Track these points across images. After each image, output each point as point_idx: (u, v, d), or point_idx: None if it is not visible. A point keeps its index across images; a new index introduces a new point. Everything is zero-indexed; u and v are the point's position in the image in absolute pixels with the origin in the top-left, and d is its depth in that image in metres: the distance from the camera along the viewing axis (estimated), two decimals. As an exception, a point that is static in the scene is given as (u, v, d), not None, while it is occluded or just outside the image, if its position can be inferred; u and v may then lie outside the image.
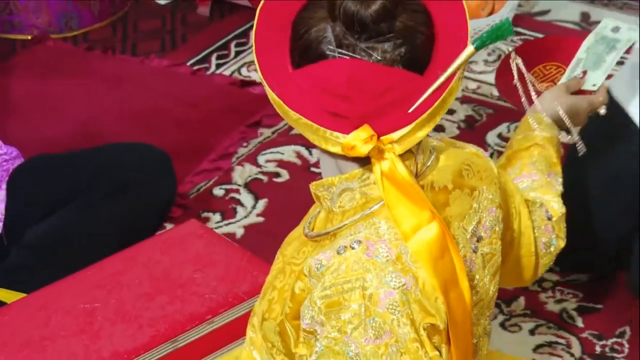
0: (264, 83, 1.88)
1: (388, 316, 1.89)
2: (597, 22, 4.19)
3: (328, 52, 1.83)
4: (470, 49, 1.88)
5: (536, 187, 2.43)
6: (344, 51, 1.82)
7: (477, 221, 2.07)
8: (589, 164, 3.12)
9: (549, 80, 2.64)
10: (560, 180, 2.45)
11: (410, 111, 1.89)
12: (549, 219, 2.40)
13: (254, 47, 1.90)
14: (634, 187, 3.03)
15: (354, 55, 1.82)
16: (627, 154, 3.07)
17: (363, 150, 1.85)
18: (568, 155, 2.97)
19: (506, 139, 3.66)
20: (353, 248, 1.94)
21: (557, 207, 2.41)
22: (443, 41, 1.94)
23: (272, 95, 1.88)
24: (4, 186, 2.98)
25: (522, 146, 2.46)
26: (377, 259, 1.92)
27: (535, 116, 2.52)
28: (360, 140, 1.86)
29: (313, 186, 2.08)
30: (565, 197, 2.75)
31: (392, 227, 1.98)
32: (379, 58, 1.86)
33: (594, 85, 2.68)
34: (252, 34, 1.90)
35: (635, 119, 3.05)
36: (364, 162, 1.95)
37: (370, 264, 1.93)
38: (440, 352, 1.95)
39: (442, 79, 1.91)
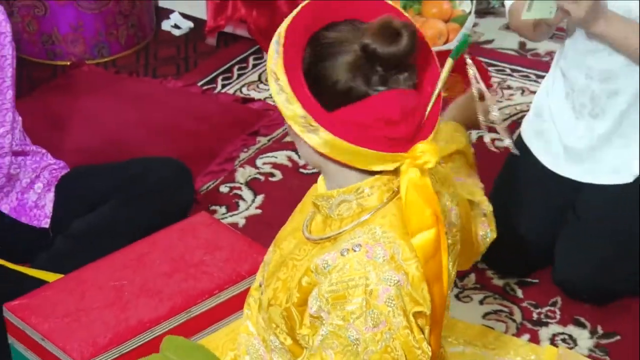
0: (314, 124, 1.83)
1: (385, 308, 1.89)
2: (533, 49, 4.24)
3: (370, 91, 1.80)
4: (450, 61, 1.88)
5: (466, 189, 2.41)
6: (386, 87, 1.80)
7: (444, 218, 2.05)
8: (508, 192, 3.18)
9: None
10: (479, 182, 2.45)
11: (424, 121, 1.89)
12: (484, 215, 2.41)
13: (295, 97, 1.83)
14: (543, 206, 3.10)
15: (391, 87, 1.81)
16: (533, 180, 3.11)
17: (431, 161, 1.86)
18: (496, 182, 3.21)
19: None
20: (355, 250, 1.93)
21: (486, 205, 2.41)
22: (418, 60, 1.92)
23: (325, 136, 1.83)
24: (53, 189, 2.99)
25: (445, 153, 2.41)
26: (376, 259, 1.91)
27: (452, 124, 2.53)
28: (429, 152, 1.86)
29: (314, 198, 2.05)
30: (498, 217, 2.81)
31: (385, 231, 1.96)
32: (409, 84, 1.86)
33: None
34: (284, 76, 1.84)
35: (534, 151, 3.12)
36: (363, 176, 1.94)
37: (371, 264, 1.91)
38: (423, 332, 1.95)
39: (437, 90, 1.91)
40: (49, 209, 2.98)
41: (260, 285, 2.19)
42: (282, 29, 1.86)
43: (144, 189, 2.95)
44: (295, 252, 2.08)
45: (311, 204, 2.10)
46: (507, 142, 2.51)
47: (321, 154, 1.92)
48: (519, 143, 3.14)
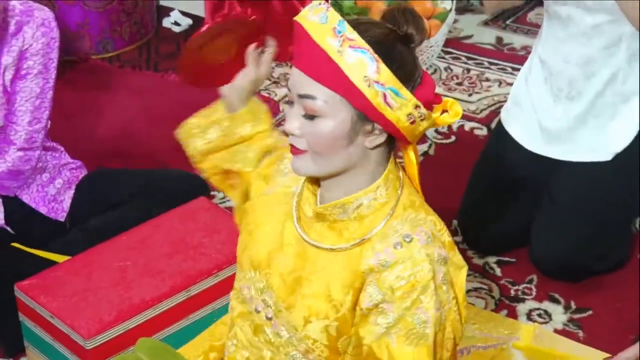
0: (424, 111, 1.83)
1: (442, 287, 1.88)
2: (509, 44, 4.23)
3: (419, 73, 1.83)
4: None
5: None
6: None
7: None
8: (485, 170, 3.18)
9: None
10: None
11: None
12: None
13: (405, 89, 1.81)
14: (522, 189, 3.10)
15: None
16: (513, 163, 3.09)
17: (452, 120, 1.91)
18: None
19: (443, 134, 3.67)
20: (407, 241, 1.90)
21: None
22: None
23: (432, 118, 1.85)
24: (73, 187, 2.99)
25: None
26: (427, 243, 1.89)
27: None
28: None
29: (323, 209, 1.97)
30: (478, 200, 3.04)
31: (417, 214, 1.95)
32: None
33: None
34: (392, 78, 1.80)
35: (514, 136, 3.09)
36: (375, 176, 1.92)
37: (424, 249, 1.89)
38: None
39: None
40: (67, 204, 2.97)
41: (258, 311, 2.05)
42: (364, 44, 1.79)
43: (160, 199, 2.92)
44: (309, 266, 1.98)
45: (280, 218, 2.03)
46: None
47: (377, 147, 1.90)
48: (499, 130, 3.16)
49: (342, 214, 1.93)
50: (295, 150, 1.87)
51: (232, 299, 2.17)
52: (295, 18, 1.85)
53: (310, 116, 1.82)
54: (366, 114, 1.83)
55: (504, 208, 3.06)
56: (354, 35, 1.78)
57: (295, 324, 1.96)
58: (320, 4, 1.83)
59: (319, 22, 1.79)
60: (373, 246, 1.91)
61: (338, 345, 1.98)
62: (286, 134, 1.91)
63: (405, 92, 1.79)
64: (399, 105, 1.80)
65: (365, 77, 1.79)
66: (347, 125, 1.83)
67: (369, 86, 1.79)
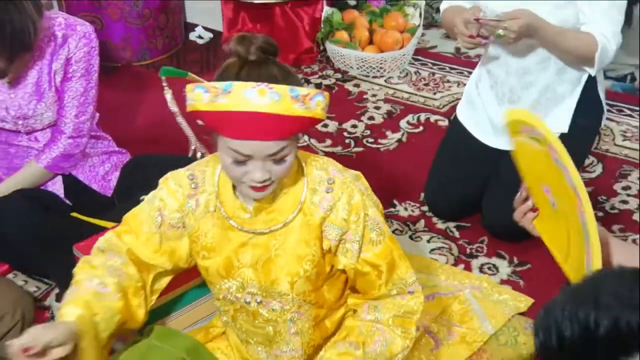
0: None
1: (369, 194, 2.00)
2: (465, 53, 4.23)
3: None
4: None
5: None
6: None
7: None
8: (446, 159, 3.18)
9: None
10: None
11: None
12: None
13: None
14: (475, 169, 3.09)
15: None
16: (468, 150, 3.11)
17: None
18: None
19: (413, 124, 3.66)
20: (331, 183, 1.95)
21: None
22: None
23: None
24: (119, 170, 2.99)
25: None
26: (341, 173, 1.97)
27: None
28: None
29: (259, 205, 1.93)
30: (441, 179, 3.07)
31: (318, 164, 1.99)
32: None
33: None
34: None
35: (468, 129, 3.11)
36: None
37: (344, 180, 1.95)
38: None
39: None
40: (113, 183, 2.96)
41: (248, 302, 2.00)
42: (314, 90, 1.78)
43: None
44: (269, 248, 1.96)
45: (220, 234, 1.97)
46: None
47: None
48: (456, 122, 3.15)
49: (273, 199, 1.93)
50: (260, 188, 1.81)
51: (220, 309, 2.11)
52: (235, 108, 1.72)
53: (279, 160, 1.79)
54: (304, 129, 1.87)
55: (461, 183, 3.05)
56: (303, 89, 1.75)
57: (284, 292, 1.95)
58: (257, 85, 1.71)
59: (277, 99, 1.71)
60: (310, 201, 1.92)
61: (319, 284, 2.00)
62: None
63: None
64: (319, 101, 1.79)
65: (317, 107, 1.78)
66: (295, 147, 1.83)
67: (306, 108, 1.76)
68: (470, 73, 3.29)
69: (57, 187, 2.88)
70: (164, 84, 2.21)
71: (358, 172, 2.02)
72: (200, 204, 1.97)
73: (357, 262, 1.96)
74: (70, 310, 1.84)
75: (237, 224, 1.93)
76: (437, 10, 4.46)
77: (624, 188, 3.25)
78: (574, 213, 1.77)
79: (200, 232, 1.98)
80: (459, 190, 3.05)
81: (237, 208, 1.93)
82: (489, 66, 3.00)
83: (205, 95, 1.73)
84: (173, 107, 2.22)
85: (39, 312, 2.68)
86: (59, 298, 2.76)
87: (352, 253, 1.95)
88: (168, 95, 2.22)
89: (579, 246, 1.83)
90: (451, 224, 3.11)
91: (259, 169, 1.76)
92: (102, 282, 1.94)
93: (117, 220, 2.68)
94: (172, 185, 2.00)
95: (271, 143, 1.74)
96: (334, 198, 1.91)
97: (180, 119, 2.20)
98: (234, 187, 1.93)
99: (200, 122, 1.86)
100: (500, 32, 2.64)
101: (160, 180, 2.04)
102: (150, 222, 2.01)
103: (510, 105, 2.95)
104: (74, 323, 1.80)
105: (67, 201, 2.87)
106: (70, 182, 2.89)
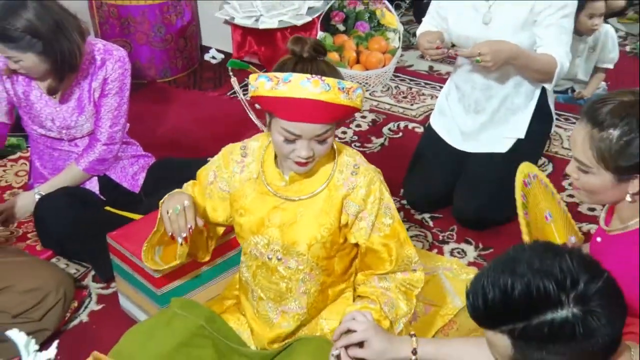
0: None
1: (384, 183, 2.01)
2: (437, 70, 4.22)
3: None
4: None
5: None
6: None
7: None
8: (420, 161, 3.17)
9: None
10: None
11: None
12: None
13: None
14: (446, 169, 3.09)
15: None
16: (440, 153, 3.11)
17: None
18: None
19: (394, 131, 3.68)
20: (356, 168, 1.98)
21: None
22: None
23: None
24: (145, 171, 2.98)
25: None
26: (364, 163, 2.00)
27: None
28: None
29: (294, 176, 1.95)
30: (417, 177, 3.08)
31: (347, 152, 2.02)
32: None
33: None
34: None
35: (440, 135, 3.11)
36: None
37: (367, 169, 1.99)
38: None
39: None
40: (141, 182, 2.96)
41: (270, 259, 2.02)
42: (354, 84, 1.82)
43: None
44: (297, 213, 1.97)
45: (257, 197, 2.00)
46: None
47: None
48: (430, 129, 3.17)
49: (306, 173, 1.94)
50: (304, 164, 1.85)
51: (243, 263, 2.12)
52: (293, 95, 1.76)
53: (322, 141, 1.83)
54: (346, 117, 1.89)
55: (434, 180, 3.05)
56: (348, 83, 1.79)
57: (302, 252, 1.97)
58: (307, 79, 1.76)
59: (327, 89, 1.76)
60: (337, 180, 1.94)
61: (332, 253, 2.00)
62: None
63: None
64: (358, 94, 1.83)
65: (357, 98, 1.83)
66: (334, 132, 1.87)
67: (349, 99, 1.80)
68: (441, 87, 3.31)
69: (93, 185, 2.89)
70: (230, 73, 2.25)
71: (378, 169, 2.04)
72: (244, 170, 2.03)
73: (369, 239, 1.98)
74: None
75: (273, 190, 1.97)
76: (414, 34, 4.46)
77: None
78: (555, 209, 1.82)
79: (242, 194, 2.02)
80: (432, 186, 3.05)
81: (276, 177, 1.97)
82: (457, 82, 3.03)
83: (268, 83, 1.78)
84: (237, 87, 2.25)
85: (78, 291, 2.68)
86: (95, 279, 2.79)
87: (365, 230, 1.97)
88: (234, 80, 2.25)
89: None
90: (426, 215, 3.11)
91: (305, 148, 1.81)
92: None
93: (144, 213, 2.69)
94: (227, 152, 2.09)
95: (319, 126, 1.79)
96: (357, 180, 1.95)
97: (245, 103, 2.21)
98: (275, 160, 1.98)
99: (257, 105, 1.89)
100: (478, 58, 2.67)
101: (222, 148, 2.13)
102: (205, 178, 2.12)
103: (475, 115, 2.99)
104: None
105: (102, 197, 2.88)
106: (105, 181, 2.90)
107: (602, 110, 1.78)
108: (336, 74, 1.81)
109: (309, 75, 1.76)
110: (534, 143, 3.03)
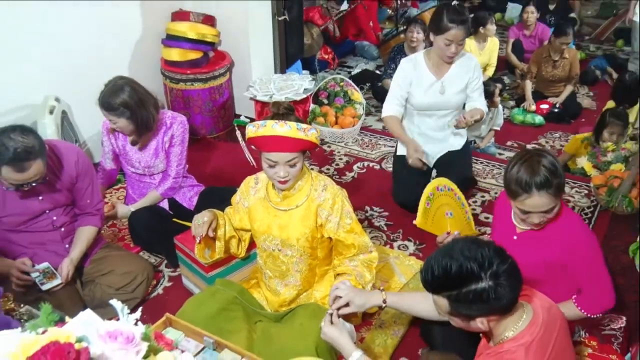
0: None
1: (345, 196, 1.96)
2: (387, 130, 4.13)
3: None
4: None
5: None
6: None
7: None
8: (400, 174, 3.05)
9: None
10: None
11: None
12: None
13: None
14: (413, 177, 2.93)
15: None
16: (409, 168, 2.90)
17: None
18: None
19: (360, 168, 3.62)
20: (325, 185, 1.93)
21: None
22: None
23: None
24: (198, 195, 2.91)
25: None
26: (331, 183, 1.96)
27: None
28: None
29: (286, 192, 1.93)
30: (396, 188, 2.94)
31: (317, 176, 1.96)
32: None
33: None
34: None
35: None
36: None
37: (332, 186, 1.95)
38: None
39: None
40: (194, 202, 2.90)
41: (273, 250, 2.00)
42: (309, 125, 1.79)
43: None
44: (287, 219, 1.93)
45: (264, 209, 1.96)
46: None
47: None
48: (398, 157, 3.01)
49: (293, 190, 1.92)
50: (283, 182, 1.85)
51: (258, 254, 2.11)
52: (267, 134, 1.76)
53: (292, 165, 1.83)
54: (307, 148, 1.85)
55: (412, 186, 2.86)
56: (305, 125, 1.80)
57: (293, 244, 1.96)
58: (275, 123, 1.77)
59: (289, 129, 1.76)
60: (313, 195, 1.91)
61: (314, 244, 1.98)
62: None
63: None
64: (312, 133, 1.81)
65: (312, 135, 1.81)
66: (302, 159, 1.86)
67: (305, 135, 1.79)
68: (390, 139, 3.31)
69: (164, 204, 2.87)
70: (236, 127, 2.25)
71: (343, 188, 2.04)
72: (257, 192, 2.02)
73: (336, 233, 1.97)
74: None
75: (273, 204, 1.98)
76: (373, 106, 4.50)
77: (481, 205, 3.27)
78: (458, 211, 1.85)
79: (254, 208, 2.03)
80: (412, 191, 2.80)
81: (274, 196, 1.97)
82: (411, 126, 2.96)
83: (252, 129, 1.81)
84: (239, 136, 2.21)
85: (156, 274, 2.67)
86: (167, 266, 2.76)
87: (333, 227, 1.97)
88: (238, 133, 2.27)
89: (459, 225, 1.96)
90: (382, 222, 3.03)
91: (282, 170, 1.83)
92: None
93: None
94: (246, 182, 2.08)
95: (287, 154, 1.80)
96: (326, 194, 1.95)
97: (243, 144, 2.25)
98: (273, 185, 1.97)
99: (253, 147, 1.89)
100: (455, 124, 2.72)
101: (243, 180, 2.10)
102: (234, 200, 2.10)
103: (429, 143, 2.88)
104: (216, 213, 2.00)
105: (170, 212, 2.85)
106: (172, 202, 2.89)
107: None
108: (298, 121, 1.82)
109: (276, 121, 1.78)
110: (467, 151, 3.04)
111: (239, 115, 4.44)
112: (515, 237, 1.92)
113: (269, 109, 1.86)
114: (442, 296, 1.42)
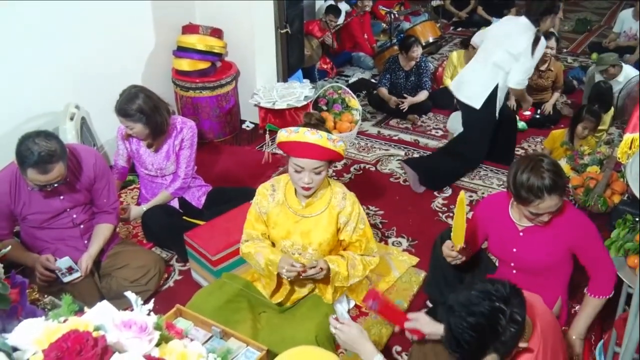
0: None
1: (360, 206, 1.94)
2: (382, 134, 4.13)
3: None
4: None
5: None
6: None
7: None
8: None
9: None
10: None
11: None
12: None
13: None
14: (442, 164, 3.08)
15: None
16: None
17: None
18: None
19: (357, 169, 3.64)
20: (345, 194, 1.90)
21: None
22: None
23: None
24: (205, 195, 2.90)
25: None
26: (349, 192, 1.93)
27: None
28: None
29: (310, 201, 1.87)
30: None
31: (337, 185, 1.93)
32: None
33: None
34: None
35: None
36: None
37: (351, 196, 1.90)
38: None
39: None
40: (203, 201, 2.90)
41: (293, 254, 1.96)
42: (338, 137, 1.77)
43: (243, 199, 2.68)
44: (309, 226, 1.92)
45: (283, 215, 1.91)
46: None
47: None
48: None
49: (315, 198, 1.90)
50: (307, 189, 1.82)
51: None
52: (299, 139, 1.73)
53: (318, 173, 1.80)
54: (333, 159, 1.82)
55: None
56: (334, 136, 1.78)
57: (315, 248, 1.94)
58: (308, 130, 1.75)
59: (320, 138, 1.74)
60: (333, 203, 1.89)
61: (331, 247, 1.96)
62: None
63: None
64: (340, 145, 1.79)
65: (339, 147, 1.79)
66: (327, 169, 1.84)
67: (334, 146, 1.77)
68: (386, 143, 3.29)
69: (175, 203, 2.87)
70: (267, 130, 2.19)
71: (353, 193, 2.01)
72: (274, 198, 1.98)
73: (351, 237, 1.97)
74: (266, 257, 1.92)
75: (293, 211, 1.95)
76: (369, 112, 4.50)
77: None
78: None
79: (273, 214, 1.99)
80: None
81: (296, 202, 1.94)
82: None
83: (285, 134, 1.77)
84: (268, 138, 2.20)
85: (167, 268, 2.66)
86: (177, 260, 2.75)
87: (349, 232, 1.97)
88: (267, 136, 2.22)
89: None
90: (377, 220, 2.98)
91: (307, 176, 1.80)
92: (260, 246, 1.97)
93: (205, 221, 2.65)
94: (261, 189, 2.02)
95: (315, 161, 1.78)
96: (346, 202, 1.93)
97: (267, 147, 2.12)
98: (295, 193, 1.93)
99: (282, 151, 1.85)
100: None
101: (258, 189, 2.03)
102: (255, 211, 2.02)
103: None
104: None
105: (180, 210, 2.86)
106: (182, 201, 2.88)
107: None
108: (329, 132, 1.82)
109: (309, 128, 1.77)
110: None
111: (244, 121, 4.45)
112: (521, 234, 1.90)
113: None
114: (489, 356, 1.30)
